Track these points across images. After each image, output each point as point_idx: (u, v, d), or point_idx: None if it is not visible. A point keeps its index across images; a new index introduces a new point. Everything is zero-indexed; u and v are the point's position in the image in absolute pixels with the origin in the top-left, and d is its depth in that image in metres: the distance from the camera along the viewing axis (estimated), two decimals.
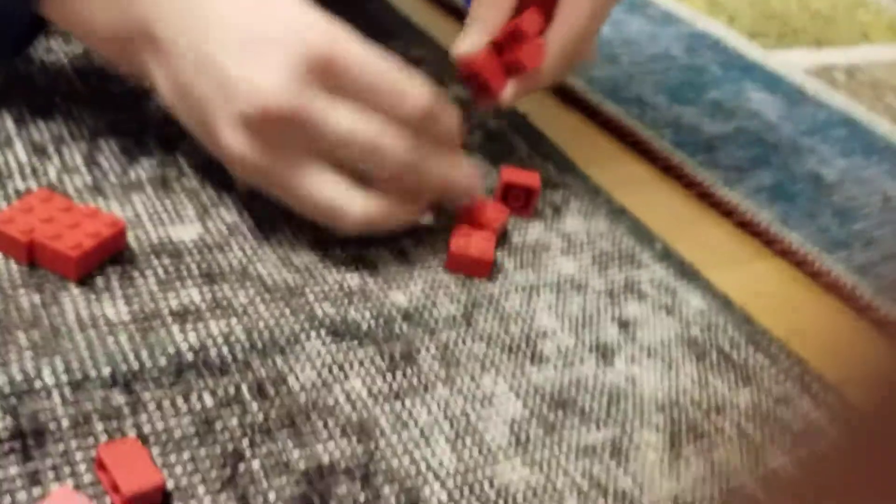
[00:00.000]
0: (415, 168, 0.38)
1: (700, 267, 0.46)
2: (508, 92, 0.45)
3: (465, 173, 0.41)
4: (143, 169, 0.42)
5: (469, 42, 0.44)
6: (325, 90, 0.36)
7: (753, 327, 0.43)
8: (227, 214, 0.40)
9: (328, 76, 0.36)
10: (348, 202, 0.37)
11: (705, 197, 0.54)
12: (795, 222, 0.53)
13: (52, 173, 0.40)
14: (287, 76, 0.35)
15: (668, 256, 0.46)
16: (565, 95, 0.61)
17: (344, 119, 0.36)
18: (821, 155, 0.62)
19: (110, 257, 0.36)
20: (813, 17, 0.87)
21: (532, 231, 0.46)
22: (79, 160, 0.41)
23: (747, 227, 0.52)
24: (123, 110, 0.45)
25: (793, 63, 0.75)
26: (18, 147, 0.41)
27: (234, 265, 0.38)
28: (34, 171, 0.40)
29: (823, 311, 0.47)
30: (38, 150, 0.41)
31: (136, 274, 0.36)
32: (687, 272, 0.46)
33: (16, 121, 0.42)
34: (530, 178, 0.46)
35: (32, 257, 0.35)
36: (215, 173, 0.42)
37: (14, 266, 0.35)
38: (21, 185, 0.39)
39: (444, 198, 0.42)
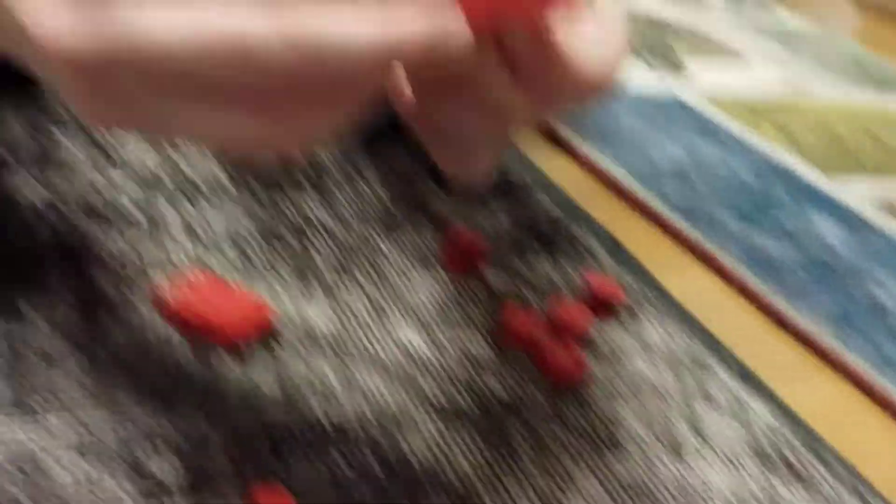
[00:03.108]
0: None
1: (764, 378, 0.51)
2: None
3: None
4: (279, 254, 0.48)
5: None
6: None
7: (815, 439, 0.47)
8: (350, 299, 0.46)
9: None
10: (341, 28, 0.23)
11: (770, 314, 0.58)
12: (855, 344, 0.57)
13: (202, 252, 0.46)
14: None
15: (735, 366, 0.51)
16: (638, 206, 0.67)
17: (161, 22, 0.23)
18: (881, 282, 0.66)
19: (256, 333, 0.42)
20: (880, 148, 0.92)
21: (612, 335, 0.50)
22: (226, 245, 0.48)
23: (809, 344, 0.56)
24: (263, 206, 0.52)
25: (857, 192, 0.80)
26: (175, 228, 0.48)
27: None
28: (185, 250, 0.46)
29: (881, 429, 0.51)
30: (189, 230, 0.48)
31: (276, 347, 0.42)
32: (753, 382, 0.50)
33: (167, 200, 0.49)
34: (613, 287, 0.51)
35: (192, 331, 0.41)
36: (349, 269, 0.49)
37: (175, 335, 0.41)
38: (176, 260, 0.45)
39: None
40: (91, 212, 0.47)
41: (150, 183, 0.51)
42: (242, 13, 0.23)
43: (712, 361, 0.51)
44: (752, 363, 0.52)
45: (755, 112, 0.96)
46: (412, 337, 0.45)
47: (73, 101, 0.26)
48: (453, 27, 0.24)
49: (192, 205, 0.50)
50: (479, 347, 0.46)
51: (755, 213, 0.71)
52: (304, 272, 0.47)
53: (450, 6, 0.23)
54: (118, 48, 0.23)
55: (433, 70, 0.25)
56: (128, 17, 0.23)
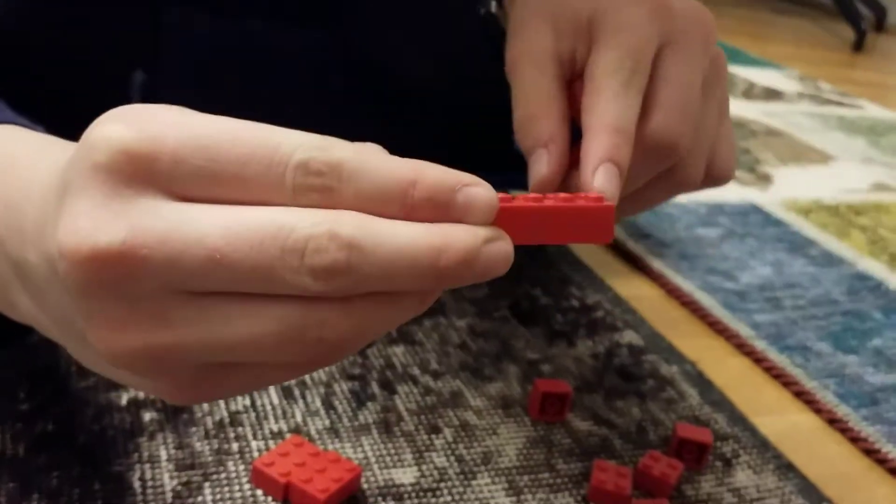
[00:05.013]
0: (377, 257, 0.25)
1: None
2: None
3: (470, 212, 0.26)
4: (370, 412, 0.49)
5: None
6: (163, 194, 0.25)
7: None
8: (438, 459, 0.47)
9: (157, 178, 0.25)
10: (310, 319, 0.25)
11: (870, 453, 0.56)
12: None
13: (298, 416, 0.48)
14: (90, 204, 0.25)
15: None
16: (727, 336, 0.66)
17: (206, 220, 0.25)
18: None
19: (347, 497, 0.43)
20: None
21: (704, 485, 0.50)
22: (318, 404, 0.49)
23: None
24: (351, 354, 0.54)
25: None
26: (272, 390, 0.50)
27: None
28: (284, 413, 0.48)
29: None
30: (287, 394, 0.49)
31: None
32: None
33: None
34: (703, 435, 0.51)
35: (287, 496, 0.42)
36: (427, 418, 0.50)
37: (272, 502, 0.42)
38: (274, 427, 0.47)
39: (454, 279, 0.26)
40: None
41: None
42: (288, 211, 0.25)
43: None
44: None
45: (842, 217, 0.95)
46: (501, 502, 0.45)
47: (86, 318, 0.26)
48: (497, 241, 0.26)
49: None
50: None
51: (850, 337, 0.69)
52: (392, 431, 0.48)
53: (492, 227, 0.26)
54: (155, 241, 0.24)
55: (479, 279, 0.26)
56: (161, 211, 0.25)
